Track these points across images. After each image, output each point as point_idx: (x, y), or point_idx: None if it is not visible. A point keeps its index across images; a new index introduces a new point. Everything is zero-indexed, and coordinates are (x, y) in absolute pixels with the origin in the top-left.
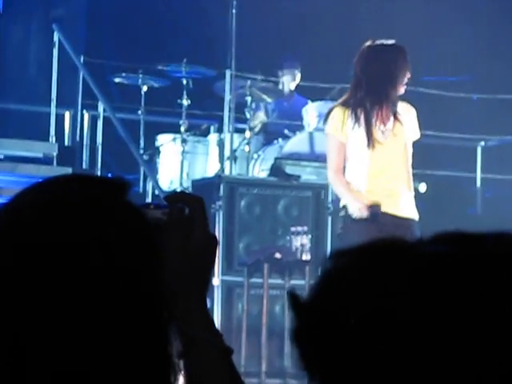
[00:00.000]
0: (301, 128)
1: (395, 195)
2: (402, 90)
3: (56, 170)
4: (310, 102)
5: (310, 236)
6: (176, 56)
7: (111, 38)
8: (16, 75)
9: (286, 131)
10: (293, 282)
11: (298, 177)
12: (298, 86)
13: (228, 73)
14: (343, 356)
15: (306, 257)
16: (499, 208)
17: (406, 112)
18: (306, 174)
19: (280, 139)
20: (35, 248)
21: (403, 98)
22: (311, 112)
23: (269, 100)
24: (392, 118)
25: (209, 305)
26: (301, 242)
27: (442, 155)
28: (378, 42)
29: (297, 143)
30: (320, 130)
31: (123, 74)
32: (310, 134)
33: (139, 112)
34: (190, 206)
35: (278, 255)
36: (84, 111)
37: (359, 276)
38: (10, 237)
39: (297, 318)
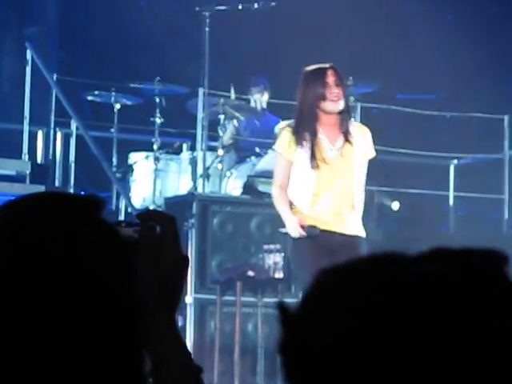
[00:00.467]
0: (273, 146)
1: (341, 214)
2: (330, 106)
3: (29, 188)
4: (281, 121)
5: (282, 254)
6: (149, 74)
7: (84, 55)
8: None
9: (257, 149)
10: (265, 299)
11: (271, 195)
12: (268, 104)
13: (201, 91)
14: (325, 370)
15: (279, 275)
16: (472, 226)
17: (360, 133)
18: None
19: (253, 157)
20: (8, 266)
21: (371, 116)
22: None
23: (241, 118)
24: (342, 138)
25: (181, 323)
26: (274, 259)
27: (414, 173)
28: (313, 66)
29: (269, 161)
30: None
31: (96, 92)
32: None
33: (112, 130)
34: (162, 224)
35: (250, 273)
36: (57, 129)
37: (350, 292)
38: None
39: (284, 329)
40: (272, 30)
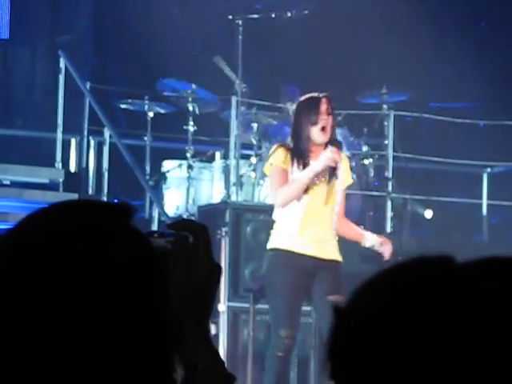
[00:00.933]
0: None
1: (325, 240)
2: (318, 137)
3: (62, 196)
4: None
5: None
6: (182, 81)
7: (117, 63)
8: (22, 101)
9: None
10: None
11: None
12: None
13: (234, 99)
14: (370, 367)
15: None
16: (505, 235)
17: (341, 162)
18: None
19: None
20: (37, 275)
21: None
22: None
23: (273, 122)
24: (327, 168)
25: (215, 331)
26: None
27: (448, 181)
28: (306, 96)
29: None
30: None
31: (129, 100)
32: None
33: (145, 138)
34: (194, 233)
35: None
36: (90, 137)
37: (407, 303)
38: (12, 263)
39: (335, 326)
40: (304, 39)
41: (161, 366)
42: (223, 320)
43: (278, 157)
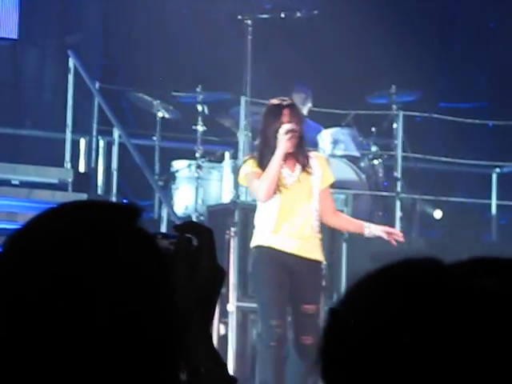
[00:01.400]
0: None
1: (302, 238)
2: (282, 143)
3: (71, 196)
4: (323, 129)
5: (324, 262)
6: (191, 82)
7: (126, 63)
8: (31, 101)
9: None
10: None
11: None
12: (310, 112)
13: (243, 99)
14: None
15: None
16: None
17: (318, 162)
18: None
19: None
20: (44, 276)
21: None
22: (326, 138)
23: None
24: (299, 167)
25: (224, 331)
26: None
27: (457, 182)
28: (273, 101)
29: None
30: (335, 156)
31: (139, 99)
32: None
33: (154, 138)
34: (199, 236)
35: None
36: (99, 137)
37: (400, 302)
38: (20, 265)
39: (329, 326)
40: (314, 39)
41: (167, 368)
42: (232, 320)
43: (249, 166)
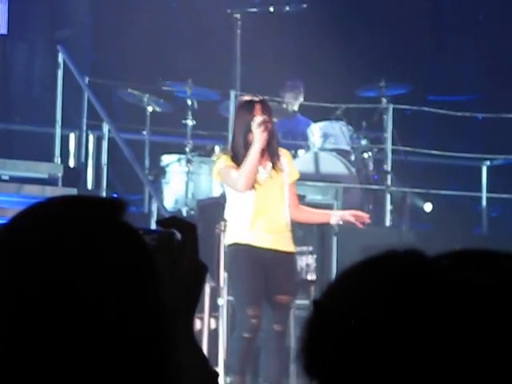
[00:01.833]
0: (304, 148)
1: (276, 231)
2: (258, 136)
3: (61, 191)
4: (312, 123)
5: (315, 256)
6: (181, 76)
7: (116, 58)
8: (21, 96)
9: (291, 151)
10: (298, 301)
11: (303, 197)
12: (300, 106)
13: (233, 93)
14: (344, 356)
15: (312, 277)
16: (505, 228)
17: (285, 158)
18: (311, 193)
19: None
20: (31, 271)
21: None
22: (316, 132)
23: (273, 119)
24: (270, 164)
25: (214, 325)
26: (306, 261)
27: (447, 175)
28: (244, 98)
29: (302, 163)
30: (325, 149)
31: (130, 90)
32: (315, 154)
33: (144, 132)
34: (182, 231)
35: None
36: (89, 132)
37: (383, 295)
38: (6, 259)
39: (312, 320)
40: (303, 33)
41: (156, 365)
42: (222, 313)
43: (224, 161)
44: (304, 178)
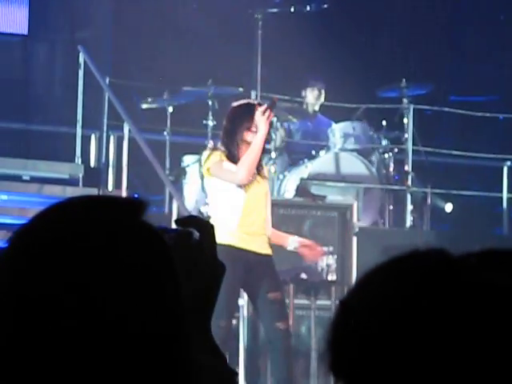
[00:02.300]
0: (325, 148)
1: (258, 235)
2: (251, 137)
3: (82, 191)
4: (333, 123)
5: (335, 256)
6: (201, 76)
7: (137, 58)
8: (41, 96)
9: (312, 152)
10: (319, 302)
11: (324, 197)
12: (321, 106)
13: (253, 93)
14: (368, 355)
15: (332, 277)
16: None
17: (266, 171)
18: (332, 194)
19: (305, 159)
20: (49, 272)
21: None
22: (337, 132)
23: (294, 120)
24: (255, 171)
25: (234, 324)
26: (326, 262)
27: (468, 175)
28: (241, 102)
29: (323, 163)
30: (345, 150)
31: (150, 99)
32: (336, 155)
33: (165, 133)
34: (200, 231)
35: (303, 276)
36: (110, 132)
37: (411, 295)
38: (24, 260)
39: (338, 319)
40: (324, 33)
41: (176, 366)
42: (243, 314)
43: (217, 157)
44: (324, 178)
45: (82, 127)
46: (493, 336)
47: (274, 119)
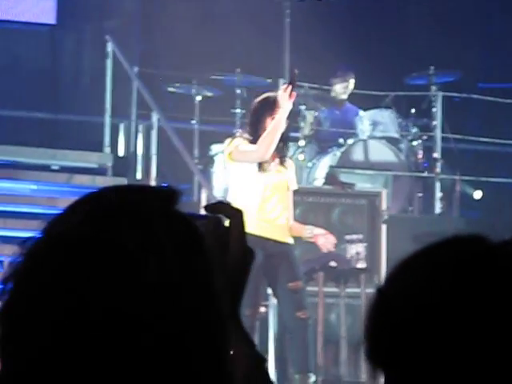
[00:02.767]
0: (353, 136)
1: (276, 222)
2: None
3: (111, 181)
4: (361, 111)
5: (365, 244)
6: (230, 65)
7: (165, 47)
8: (70, 86)
9: (340, 140)
10: (348, 290)
11: (353, 185)
12: (350, 94)
13: (281, 81)
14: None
15: (362, 265)
16: None
17: (290, 164)
18: (361, 181)
19: (334, 147)
20: (88, 262)
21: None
22: (365, 120)
23: (322, 108)
24: (278, 160)
25: (264, 312)
26: (356, 250)
27: (497, 162)
28: (263, 95)
29: (351, 151)
30: (374, 137)
31: (177, 84)
32: (365, 142)
33: (193, 121)
34: (229, 217)
35: (333, 263)
36: (138, 121)
37: (450, 282)
38: (61, 254)
39: (376, 307)
40: (352, 21)
41: (219, 362)
42: (272, 302)
43: (238, 141)
44: (353, 166)
45: (111, 117)
46: None
47: (303, 107)
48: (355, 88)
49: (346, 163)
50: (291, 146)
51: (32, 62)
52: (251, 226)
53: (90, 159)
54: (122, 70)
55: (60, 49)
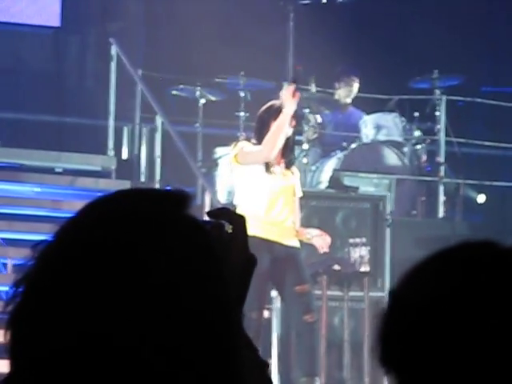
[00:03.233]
0: (357, 140)
1: (283, 225)
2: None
3: (115, 184)
4: (365, 115)
5: (368, 247)
6: (234, 68)
7: (169, 50)
8: (74, 88)
9: (344, 143)
10: (351, 293)
11: (357, 188)
12: (353, 98)
13: (286, 85)
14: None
15: (365, 268)
16: None
17: (295, 170)
18: (365, 185)
19: (338, 151)
20: (100, 266)
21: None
22: (369, 124)
23: (326, 112)
24: (283, 164)
25: (267, 316)
26: (359, 253)
27: (500, 166)
28: (270, 103)
29: (355, 155)
30: (378, 141)
31: (181, 87)
32: (368, 146)
33: (197, 125)
34: (232, 223)
35: (336, 267)
36: (142, 124)
37: (462, 285)
38: (75, 259)
39: (389, 311)
40: (355, 24)
41: (226, 364)
42: (276, 305)
43: (243, 143)
44: (357, 169)
45: (115, 120)
46: None
47: (307, 110)
48: (359, 91)
49: (349, 167)
50: (295, 149)
51: (36, 64)
52: (258, 229)
53: (93, 162)
54: (126, 73)
55: (64, 51)
